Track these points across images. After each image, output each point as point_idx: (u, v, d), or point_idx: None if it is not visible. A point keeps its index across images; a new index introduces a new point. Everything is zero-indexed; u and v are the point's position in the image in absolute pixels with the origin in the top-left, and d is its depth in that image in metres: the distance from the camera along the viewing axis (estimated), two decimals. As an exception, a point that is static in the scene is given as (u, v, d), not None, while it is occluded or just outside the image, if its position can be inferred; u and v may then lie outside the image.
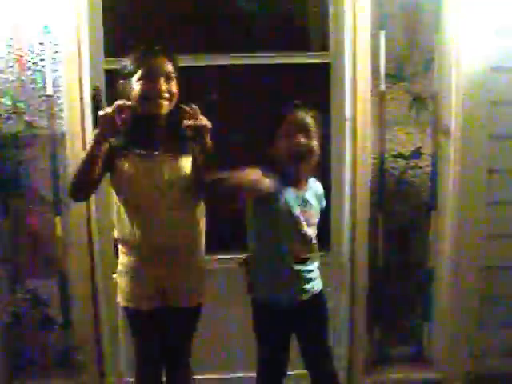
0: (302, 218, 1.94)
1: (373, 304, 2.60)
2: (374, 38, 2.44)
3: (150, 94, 1.87)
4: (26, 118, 2.41)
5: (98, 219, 2.49)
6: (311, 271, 2.01)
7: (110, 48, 2.46)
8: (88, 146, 1.87)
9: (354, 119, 2.47)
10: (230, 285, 2.59)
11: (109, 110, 1.80)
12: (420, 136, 2.54)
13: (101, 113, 1.81)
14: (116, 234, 2.03)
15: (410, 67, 2.49)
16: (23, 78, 2.40)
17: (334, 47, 2.51)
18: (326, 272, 2.55)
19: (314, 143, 1.93)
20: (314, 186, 2.05)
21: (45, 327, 2.56)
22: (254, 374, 2.60)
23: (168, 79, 1.90)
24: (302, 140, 1.91)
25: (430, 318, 2.68)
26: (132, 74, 1.89)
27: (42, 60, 2.39)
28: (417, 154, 2.54)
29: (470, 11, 2.40)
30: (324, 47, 2.54)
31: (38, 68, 2.39)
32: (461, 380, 2.65)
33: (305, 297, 2.00)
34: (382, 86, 2.48)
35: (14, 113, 2.41)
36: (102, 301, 2.54)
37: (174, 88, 1.91)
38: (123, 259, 2.02)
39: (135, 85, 1.88)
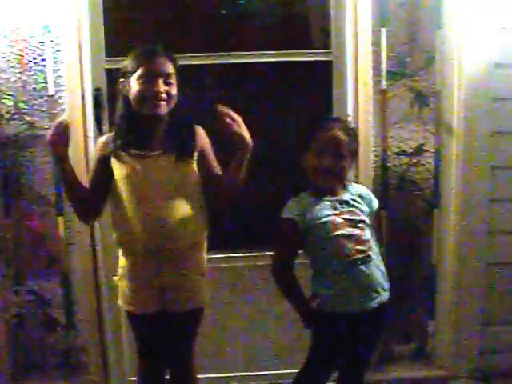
0: (338, 221, 1.89)
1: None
2: (376, 35, 2.44)
3: (147, 95, 1.86)
4: (28, 118, 2.41)
5: (101, 219, 2.47)
6: (374, 277, 1.92)
7: (111, 48, 2.45)
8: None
9: (355, 117, 2.46)
10: (233, 283, 2.60)
11: (51, 132, 1.86)
12: (422, 133, 2.53)
13: (48, 137, 1.87)
14: (115, 236, 2.01)
15: (411, 64, 2.49)
16: (24, 78, 2.39)
17: (336, 45, 2.51)
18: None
19: (343, 163, 1.91)
20: (355, 189, 2.01)
21: (48, 328, 2.55)
22: (254, 373, 2.64)
23: (167, 80, 1.88)
24: (331, 161, 1.89)
25: (433, 316, 2.68)
26: (132, 73, 1.88)
27: (43, 60, 2.38)
28: (419, 150, 2.54)
29: (472, 8, 2.40)
30: (325, 45, 2.53)
31: (40, 68, 2.39)
32: (465, 377, 2.65)
33: (371, 303, 1.92)
34: (384, 84, 2.47)
35: (16, 113, 2.40)
36: (105, 301, 2.54)
37: (173, 89, 1.90)
38: (123, 262, 2.00)
39: (134, 84, 1.87)
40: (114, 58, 2.40)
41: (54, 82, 2.39)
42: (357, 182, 2.18)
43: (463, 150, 2.49)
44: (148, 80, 1.85)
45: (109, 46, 2.45)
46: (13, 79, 2.39)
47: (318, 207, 1.91)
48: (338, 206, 1.93)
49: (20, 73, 2.39)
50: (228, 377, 2.66)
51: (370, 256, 1.92)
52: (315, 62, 2.52)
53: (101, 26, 2.44)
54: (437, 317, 2.67)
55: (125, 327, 2.52)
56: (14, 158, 2.43)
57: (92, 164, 1.98)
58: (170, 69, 1.89)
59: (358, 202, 1.96)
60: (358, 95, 2.45)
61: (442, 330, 2.67)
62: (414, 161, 2.55)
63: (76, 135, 2.39)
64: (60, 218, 2.47)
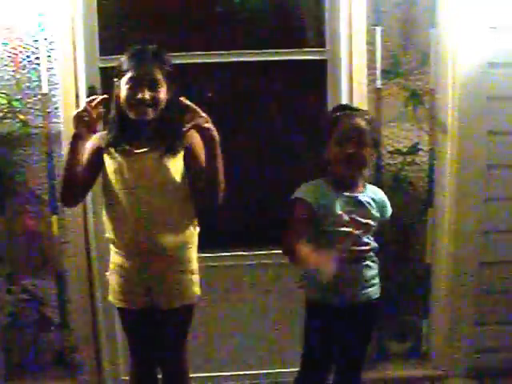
0: (345, 218, 1.88)
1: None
2: (370, 34, 2.43)
3: (132, 102, 1.87)
4: (22, 116, 2.41)
5: (95, 218, 2.48)
6: (362, 275, 1.96)
7: (105, 46, 2.45)
8: (66, 149, 1.91)
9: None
10: (227, 282, 2.59)
11: (81, 108, 1.85)
12: (417, 132, 2.53)
13: (74, 113, 1.85)
14: (107, 232, 2.02)
15: (406, 63, 2.48)
16: (18, 76, 2.39)
17: (331, 44, 2.51)
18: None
19: (366, 151, 1.91)
20: (373, 192, 2.01)
21: (42, 327, 2.55)
22: (250, 372, 2.64)
23: (154, 86, 1.88)
24: (352, 150, 1.89)
25: (427, 315, 2.68)
26: (124, 73, 1.89)
27: (36, 58, 2.38)
28: (414, 150, 2.54)
29: (466, 7, 2.40)
30: (320, 44, 2.53)
31: (33, 66, 2.39)
32: (459, 376, 2.65)
33: (355, 299, 1.97)
34: (379, 83, 2.47)
35: (10, 111, 2.40)
36: (98, 300, 2.53)
37: (161, 94, 1.89)
38: (113, 258, 2.02)
39: (123, 88, 1.89)
40: (108, 57, 2.40)
41: (48, 80, 2.39)
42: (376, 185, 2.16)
43: (458, 149, 2.49)
44: (134, 86, 1.86)
45: (103, 45, 2.44)
46: (6, 77, 2.38)
47: (332, 198, 1.91)
48: (351, 203, 1.93)
49: (14, 71, 2.38)
50: (221, 376, 2.66)
51: (363, 258, 1.94)
52: (310, 60, 2.51)
53: (95, 25, 2.43)
54: (431, 316, 2.68)
55: (119, 326, 2.51)
56: (7, 157, 2.42)
57: (84, 156, 1.97)
58: (158, 74, 1.89)
59: (370, 205, 1.97)
60: (352, 94, 2.45)
61: (437, 329, 2.67)
62: (409, 160, 2.55)
63: (70, 133, 2.38)
64: (54, 217, 2.47)
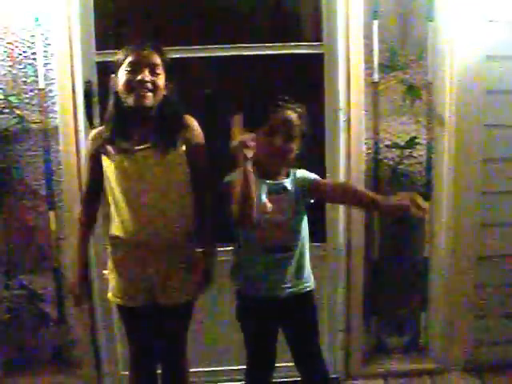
0: (269, 206, 1.89)
1: (369, 295, 2.60)
2: (367, 27, 2.43)
3: (132, 84, 1.85)
4: (18, 111, 2.40)
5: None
6: (290, 263, 1.96)
7: (101, 41, 2.43)
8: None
9: (347, 109, 2.46)
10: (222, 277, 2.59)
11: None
12: (414, 125, 2.53)
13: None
14: (109, 229, 2.03)
15: (403, 57, 2.48)
16: (15, 71, 2.38)
17: (327, 38, 2.49)
18: (322, 263, 2.57)
19: (292, 145, 1.91)
20: (297, 175, 1.99)
21: (40, 323, 2.55)
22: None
23: (154, 71, 1.87)
24: (280, 142, 1.89)
25: (426, 308, 2.68)
26: (120, 65, 1.89)
27: (33, 53, 2.37)
28: (411, 143, 2.54)
29: (463, 0, 2.39)
30: (317, 38, 2.52)
31: (30, 61, 2.38)
32: (457, 370, 2.66)
33: (286, 291, 1.97)
34: (376, 76, 2.47)
35: (6, 107, 2.39)
36: (97, 295, 2.52)
37: (160, 80, 1.89)
38: (113, 256, 2.01)
39: (121, 75, 1.88)
40: (105, 51, 2.39)
41: (45, 75, 2.38)
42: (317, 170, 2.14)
43: (455, 143, 2.49)
44: (134, 70, 1.86)
45: (99, 39, 2.43)
46: (3, 73, 2.37)
47: (257, 190, 1.87)
48: (274, 190, 1.92)
49: (10, 66, 2.37)
50: (220, 370, 2.66)
51: (291, 246, 1.95)
52: (306, 54, 2.50)
53: (91, 19, 2.41)
54: (429, 309, 2.68)
55: (117, 321, 2.51)
56: (4, 152, 2.42)
57: (86, 161, 2.00)
58: (157, 59, 1.89)
59: (296, 190, 1.95)
60: (349, 88, 2.44)
61: (435, 323, 2.67)
62: (406, 153, 2.54)
63: (67, 128, 2.39)
64: (51, 213, 2.46)
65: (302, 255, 2.00)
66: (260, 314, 2.00)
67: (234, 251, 2.06)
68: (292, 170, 1.99)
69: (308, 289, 2.03)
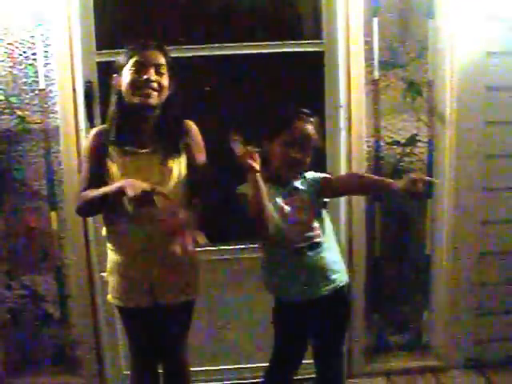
0: (287, 208, 1.91)
1: (371, 292, 2.60)
2: (368, 25, 2.43)
3: (138, 84, 1.85)
4: (19, 112, 2.40)
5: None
6: (323, 260, 1.96)
7: (101, 41, 2.44)
8: (107, 190, 1.85)
9: (348, 107, 2.46)
10: (227, 275, 2.59)
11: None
12: (415, 123, 2.53)
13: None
14: (104, 231, 2.01)
15: (403, 54, 2.48)
16: (15, 72, 2.38)
17: (328, 35, 2.50)
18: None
19: (308, 158, 1.94)
20: (307, 176, 2.01)
21: (42, 323, 2.55)
22: (249, 365, 2.64)
23: (158, 71, 1.88)
24: (296, 154, 1.91)
25: (428, 306, 2.68)
26: (124, 66, 1.88)
27: (33, 54, 2.37)
28: (412, 141, 2.54)
29: (464, -4, 2.39)
30: (317, 35, 2.52)
31: (30, 62, 2.38)
32: (459, 367, 2.66)
33: (320, 290, 1.96)
34: (376, 74, 2.47)
35: (7, 107, 2.39)
36: (99, 295, 2.53)
37: (164, 80, 1.89)
38: (113, 257, 2.00)
39: (125, 75, 1.87)
40: (105, 51, 2.40)
41: (45, 75, 2.39)
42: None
43: (456, 140, 2.49)
44: (139, 69, 1.85)
45: (99, 39, 2.43)
46: (3, 73, 2.37)
47: (271, 195, 1.90)
48: (288, 193, 1.95)
49: (10, 67, 2.38)
50: (222, 369, 2.66)
51: (318, 243, 1.94)
52: (307, 52, 2.51)
53: (91, 19, 2.42)
54: (431, 307, 2.68)
55: (119, 321, 2.51)
56: (5, 153, 2.42)
57: (85, 159, 1.97)
58: (161, 59, 1.89)
59: (307, 189, 1.97)
60: (350, 85, 2.45)
61: (437, 321, 2.67)
62: (407, 151, 2.54)
63: (68, 129, 2.39)
64: (53, 213, 2.47)
65: (330, 251, 1.99)
66: (298, 316, 2.00)
67: (263, 256, 2.05)
68: (302, 173, 2.01)
69: (343, 283, 2.01)
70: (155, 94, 1.87)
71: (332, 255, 1.99)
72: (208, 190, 1.97)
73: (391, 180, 1.89)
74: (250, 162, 1.77)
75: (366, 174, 1.94)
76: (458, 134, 2.48)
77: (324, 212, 2.01)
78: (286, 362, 2.08)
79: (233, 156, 1.79)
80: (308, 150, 1.93)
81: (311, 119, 1.96)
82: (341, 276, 2.01)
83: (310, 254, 1.94)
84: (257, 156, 1.79)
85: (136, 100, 1.86)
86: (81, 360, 2.57)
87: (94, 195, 1.87)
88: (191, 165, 1.97)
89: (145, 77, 1.84)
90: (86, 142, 2.05)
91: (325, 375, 2.11)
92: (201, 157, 2.00)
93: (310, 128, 1.94)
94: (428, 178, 1.87)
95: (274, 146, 1.93)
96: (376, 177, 1.94)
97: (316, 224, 1.96)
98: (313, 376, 2.17)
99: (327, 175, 2.04)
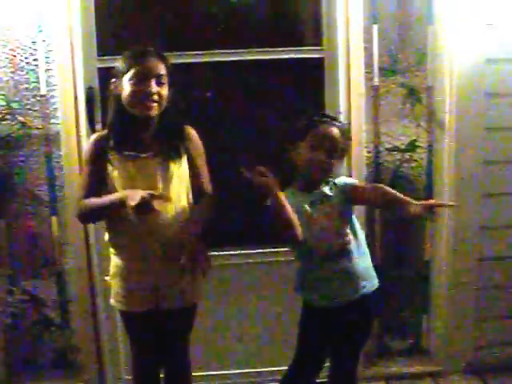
0: (316, 215, 1.91)
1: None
2: (367, 32, 2.44)
3: (139, 96, 1.85)
4: (20, 118, 2.41)
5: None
6: (352, 267, 1.95)
7: (103, 47, 2.44)
8: (107, 202, 1.87)
9: (348, 113, 2.47)
10: (231, 281, 2.59)
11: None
12: (415, 129, 2.54)
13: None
14: (107, 236, 2.02)
15: (403, 61, 2.49)
16: (16, 77, 2.39)
17: (328, 42, 2.50)
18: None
19: (334, 161, 1.93)
20: (336, 182, 2.00)
21: (43, 327, 2.56)
22: (252, 371, 2.64)
23: (159, 81, 1.87)
24: (322, 157, 1.91)
25: (427, 311, 2.69)
26: (124, 74, 1.88)
27: (35, 60, 2.38)
28: (412, 146, 2.55)
29: (463, 3, 2.40)
30: (317, 42, 2.53)
31: (32, 68, 2.39)
32: (459, 372, 2.66)
33: (350, 296, 1.96)
34: (376, 80, 2.48)
35: (8, 113, 2.40)
36: (99, 300, 2.53)
37: (164, 90, 1.89)
38: (115, 261, 2.00)
39: (126, 85, 1.87)
40: (106, 57, 2.40)
41: (46, 81, 2.39)
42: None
43: (456, 146, 2.50)
44: (140, 81, 1.85)
45: (101, 45, 2.44)
46: (5, 79, 2.38)
47: (300, 202, 1.92)
48: (318, 200, 1.94)
49: (12, 72, 2.38)
50: (223, 374, 2.66)
51: (348, 249, 1.94)
52: (307, 59, 2.51)
53: (92, 25, 2.42)
54: (431, 312, 2.69)
55: (120, 326, 2.51)
56: (6, 158, 2.43)
57: (85, 165, 1.99)
58: (162, 69, 1.89)
59: (336, 196, 1.97)
60: (350, 92, 2.46)
61: (437, 325, 2.68)
62: (407, 157, 2.56)
63: (69, 134, 2.40)
64: (54, 218, 2.47)
65: (361, 258, 1.99)
66: (326, 322, 2.00)
67: (296, 261, 2.05)
68: (331, 179, 2.00)
69: (372, 289, 2.01)
70: (156, 105, 1.87)
71: (363, 261, 1.99)
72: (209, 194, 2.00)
73: (409, 200, 1.82)
74: (268, 185, 1.80)
75: (388, 189, 1.91)
76: (458, 139, 2.49)
77: (354, 218, 2.01)
78: (306, 369, 2.08)
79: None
80: (334, 153, 1.93)
81: (336, 123, 1.97)
82: (371, 282, 2.01)
83: (341, 260, 1.93)
84: (273, 179, 1.81)
85: (137, 112, 1.87)
86: (81, 365, 2.57)
87: (95, 205, 1.89)
88: (192, 169, 1.99)
89: (147, 90, 1.84)
90: (85, 147, 2.06)
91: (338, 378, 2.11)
92: (201, 162, 2.02)
93: (334, 131, 1.93)
94: (446, 203, 1.84)
95: (300, 151, 1.93)
96: (397, 193, 1.88)
97: (347, 230, 1.95)
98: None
99: (356, 182, 2.04)
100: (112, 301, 2.05)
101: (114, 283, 2.02)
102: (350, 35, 2.42)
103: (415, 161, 2.56)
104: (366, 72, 2.46)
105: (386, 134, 2.53)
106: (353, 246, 1.96)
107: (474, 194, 2.53)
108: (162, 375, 2.15)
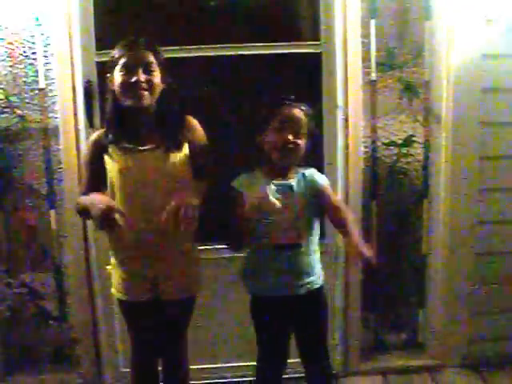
0: (277, 206, 1.84)
1: (367, 292, 2.62)
2: (365, 27, 2.45)
3: (128, 85, 1.86)
4: (19, 111, 2.42)
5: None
6: (301, 261, 1.98)
7: (101, 40, 2.45)
8: (85, 204, 1.89)
9: (345, 108, 2.47)
10: (225, 274, 2.60)
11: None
12: (412, 124, 2.55)
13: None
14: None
15: (400, 55, 2.50)
16: (15, 71, 2.40)
17: (325, 37, 2.51)
18: (320, 260, 2.58)
19: (302, 141, 1.94)
20: (305, 174, 2.01)
21: (40, 320, 2.57)
22: (248, 363, 2.64)
23: (148, 70, 1.88)
24: (290, 137, 1.92)
25: (424, 305, 2.70)
26: (115, 66, 1.89)
27: (33, 53, 2.39)
28: (409, 141, 2.56)
29: (460, -1, 2.41)
30: (315, 37, 2.54)
31: (30, 61, 2.39)
32: (455, 366, 2.67)
33: (298, 290, 1.99)
34: (373, 75, 2.49)
35: (7, 106, 2.41)
36: (97, 293, 2.54)
37: (155, 78, 1.90)
38: (115, 251, 2.02)
39: (116, 76, 1.89)
40: (105, 51, 2.40)
41: (45, 75, 2.40)
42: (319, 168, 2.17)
43: (452, 141, 2.50)
44: (128, 71, 1.86)
45: (99, 39, 2.45)
46: (3, 72, 2.39)
47: (263, 187, 1.87)
48: (281, 190, 1.91)
49: (10, 66, 2.39)
50: (222, 366, 2.68)
51: (299, 244, 1.96)
52: (304, 53, 2.52)
53: (91, 19, 2.43)
54: (427, 306, 2.70)
55: (118, 319, 2.53)
56: (5, 152, 2.44)
57: (85, 163, 2.01)
58: (150, 58, 1.89)
59: (301, 189, 1.97)
60: (347, 87, 2.46)
61: (433, 320, 2.69)
62: (404, 152, 2.56)
63: (67, 128, 2.41)
64: (52, 211, 2.48)
65: (309, 256, 2.00)
66: (273, 312, 2.01)
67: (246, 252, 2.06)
68: (300, 170, 2.01)
69: (317, 286, 2.04)
70: (146, 93, 1.88)
71: (309, 260, 2.00)
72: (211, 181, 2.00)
73: (352, 239, 1.83)
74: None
75: (345, 215, 1.91)
76: (454, 134, 2.50)
77: (316, 219, 2.01)
78: (270, 357, 2.08)
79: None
80: (299, 134, 1.93)
81: (299, 105, 1.97)
82: (314, 280, 2.02)
83: (288, 253, 1.95)
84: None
85: (129, 102, 1.88)
86: (79, 358, 2.58)
87: (81, 203, 1.94)
88: (194, 160, 1.98)
89: (133, 79, 1.85)
90: (86, 147, 2.07)
91: (312, 374, 2.13)
92: (204, 153, 2.02)
93: (297, 112, 1.94)
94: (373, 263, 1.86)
95: (266, 136, 1.95)
96: (349, 225, 1.88)
97: (302, 226, 1.96)
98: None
99: (325, 186, 2.02)
100: (113, 290, 2.06)
101: (114, 273, 2.04)
102: (347, 30, 2.42)
103: (412, 155, 2.57)
104: (364, 67, 2.47)
105: (382, 128, 2.53)
106: (303, 242, 1.97)
107: (471, 188, 2.54)
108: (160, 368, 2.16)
